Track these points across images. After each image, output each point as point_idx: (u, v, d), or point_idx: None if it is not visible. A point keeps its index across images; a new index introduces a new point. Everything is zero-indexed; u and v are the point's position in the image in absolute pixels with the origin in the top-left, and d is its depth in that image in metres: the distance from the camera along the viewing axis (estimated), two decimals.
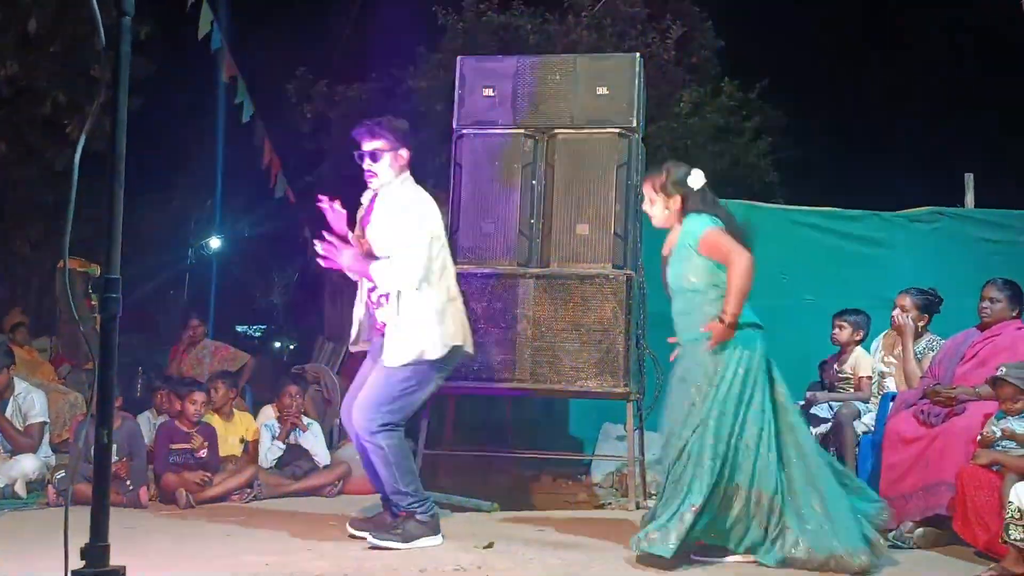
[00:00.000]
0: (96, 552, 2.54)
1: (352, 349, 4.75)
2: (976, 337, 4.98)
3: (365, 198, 4.56)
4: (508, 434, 6.45)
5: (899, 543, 4.46)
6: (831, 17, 15.39)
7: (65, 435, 6.38)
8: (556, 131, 5.77)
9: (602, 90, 5.75)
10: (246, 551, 4.14)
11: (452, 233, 5.69)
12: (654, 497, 4.88)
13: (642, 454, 5.78)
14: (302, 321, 15.47)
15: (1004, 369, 4.31)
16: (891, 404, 5.16)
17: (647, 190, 4.36)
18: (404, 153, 4.43)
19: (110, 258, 2.62)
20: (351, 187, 4.65)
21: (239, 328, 19.63)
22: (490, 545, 4.28)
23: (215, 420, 6.00)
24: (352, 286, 4.70)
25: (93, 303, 8.17)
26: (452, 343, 4.34)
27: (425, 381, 4.33)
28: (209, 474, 5.55)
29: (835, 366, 5.70)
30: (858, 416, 5.29)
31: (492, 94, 5.86)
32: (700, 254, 4.14)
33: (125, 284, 2.64)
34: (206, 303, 15.66)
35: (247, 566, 3.84)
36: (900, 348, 5.44)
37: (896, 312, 5.45)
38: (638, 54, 6.07)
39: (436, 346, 4.29)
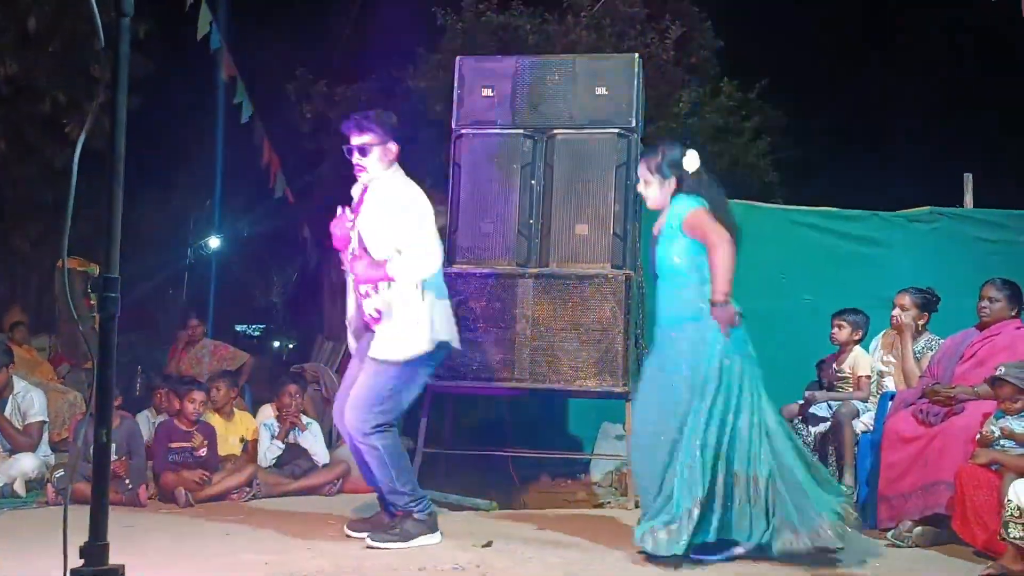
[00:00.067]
0: (95, 551, 2.54)
1: (351, 349, 4.76)
2: (975, 337, 4.99)
3: (355, 191, 4.55)
4: (507, 433, 6.45)
5: (898, 542, 4.47)
6: (830, 17, 15.39)
7: (64, 434, 6.38)
8: (555, 131, 5.77)
9: (601, 90, 5.75)
10: (245, 550, 4.14)
11: (451, 233, 5.70)
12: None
13: None
14: (301, 320, 15.47)
15: (1003, 369, 4.32)
16: (890, 403, 5.16)
17: (642, 172, 4.38)
18: (393, 147, 4.42)
19: (109, 257, 2.62)
20: (350, 187, 4.65)
21: (238, 327, 19.63)
22: (489, 544, 4.28)
23: (215, 419, 6.00)
24: None
25: (92, 302, 8.16)
26: (439, 339, 4.34)
27: (414, 377, 4.33)
28: (208, 473, 5.56)
29: (834, 365, 5.71)
30: (857, 415, 5.30)
31: (491, 94, 5.87)
32: (684, 234, 4.17)
33: (124, 283, 2.64)
34: (205, 302, 15.63)
35: (246, 565, 3.84)
36: (899, 347, 5.44)
37: (896, 311, 5.46)
38: (637, 54, 6.07)
39: (425, 341, 4.28)
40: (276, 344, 18.93)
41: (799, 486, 3.99)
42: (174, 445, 5.61)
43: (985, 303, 4.97)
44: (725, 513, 3.96)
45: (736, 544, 4.02)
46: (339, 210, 4.50)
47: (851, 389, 5.57)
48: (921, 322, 5.43)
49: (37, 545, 3.99)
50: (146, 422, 6.37)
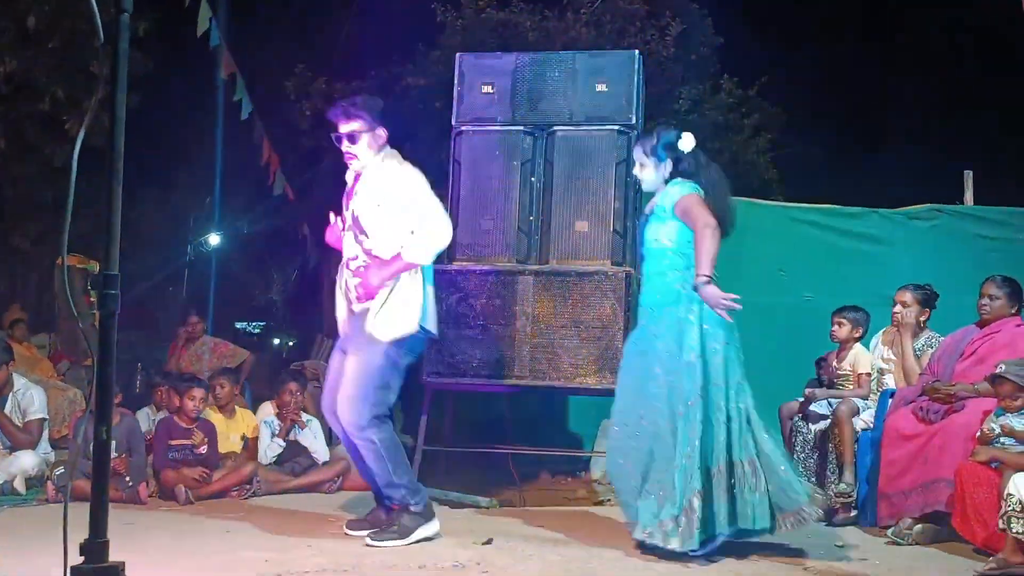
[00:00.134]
0: (95, 548, 2.54)
1: None
2: (975, 334, 4.99)
3: (349, 176, 4.52)
4: (507, 431, 6.45)
5: (898, 539, 4.48)
6: (830, 15, 15.39)
7: (64, 431, 6.38)
8: (555, 128, 5.77)
9: (601, 87, 5.75)
10: (245, 547, 4.14)
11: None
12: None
13: None
14: (301, 318, 15.48)
15: (1003, 366, 4.32)
16: (890, 401, 5.16)
17: (638, 154, 4.41)
18: (382, 132, 4.40)
19: (109, 254, 2.62)
20: None
21: (238, 325, 19.63)
22: (489, 541, 4.28)
23: (217, 417, 6.00)
24: None
25: (92, 299, 8.16)
26: (426, 324, 4.34)
27: (398, 364, 4.31)
28: (208, 470, 5.56)
29: (834, 363, 5.71)
30: (857, 413, 5.29)
31: (491, 91, 5.87)
32: (675, 216, 4.21)
33: (124, 280, 2.64)
34: (205, 300, 15.64)
35: (246, 562, 3.84)
36: (899, 344, 5.44)
37: (898, 308, 5.45)
38: (637, 51, 6.06)
39: (415, 322, 4.28)
40: (276, 342, 18.92)
41: (778, 470, 4.05)
42: (174, 442, 5.61)
43: (985, 300, 4.96)
44: (732, 503, 3.97)
45: (748, 533, 4.04)
46: (331, 217, 4.49)
47: (851, 386, 5.57)
48: (923, 318, 5.43)
49: (37, 542, 3.99)
50: (146, 419, 6.36)
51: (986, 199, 7.35)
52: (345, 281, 4.44)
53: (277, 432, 6.03)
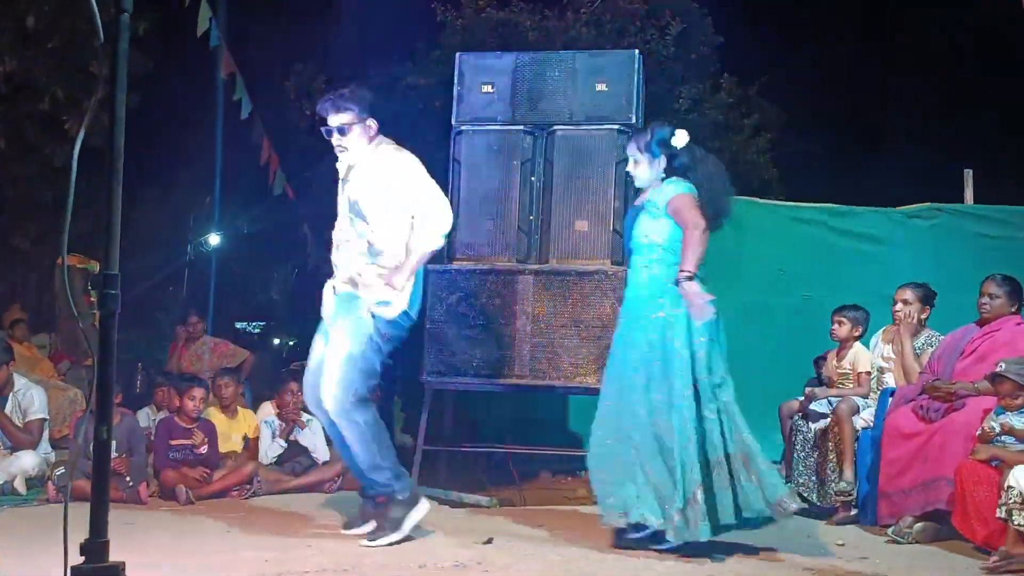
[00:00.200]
0: (95, 548, 2.54)
1: None
2: (975, 333, 4.99)
3: (341, 167, 4.50)
4: (507, 430, 6.45)
5: (898, 538, 4.48)
6: (831, 14, 15.39)
7: (65, 431, 6.38)
8: (555, 127, 5.77)
9: (601, 86, 5.75)
10: (246, 547, 4.14)
11: (450, 230, 5.69)
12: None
13: None
14: (301, 317, 15.45)
15: (1003, 365, 4.32)
16: (890, 399, 5.16)
17: (632, 151, 4.41)
18: (372, 123, 4.39)
19: (109, 254, 2.62)
20: None
21: (238, 324, 19.62)
22: (489, 541, 4.28)
23: (219, 417, 6.00)
24: None
25: (92, 299, 8.16)
26: (412, 309, 4.36)
27: (381, 348, 4.31)
28: (209, 470, 5.56)
29: (834, 362, 5.71)
30: (857, 411, 5.30)
31: (491, 91, 5.87)
32: (667, 213, 4.23)
33: (124, 280, 2.64)
34: (205, 299, 15.65)
35: (247, 562, 3.84)
36: (899, 343, 5.44)
37: (899, 306, 5.45)
38: (637, 51, 6.06)
39: (404, 303, 4.30)
40: (276, 341, 18.91)
41: (761, 462, 4.09)
42: (175, 442, 5.61)
43: (985, 299, 4.96)
44: (734, 494, 4.00)
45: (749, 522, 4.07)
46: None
47: (851, 385, 5.57)
48: (923, 316, 5.43)
49: (38, 542, 3.99)
50: (146, 419, 6.36)
51: (986, 199, 7.35)
52: (334, 263, 4.45)
53: (278, 432, 6.03)
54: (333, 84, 10.57)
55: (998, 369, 4.33)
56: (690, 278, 4.10)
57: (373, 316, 4.25)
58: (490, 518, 5.04)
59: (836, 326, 5.66)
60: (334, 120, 4.36)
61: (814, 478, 5.30)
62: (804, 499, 5.30)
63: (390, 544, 4.17)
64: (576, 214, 5.67)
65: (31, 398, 5.85)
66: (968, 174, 7.44)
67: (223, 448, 5.88)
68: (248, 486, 5.61)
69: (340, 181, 4.49)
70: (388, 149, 4.41)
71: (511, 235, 5.71)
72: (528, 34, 10.09)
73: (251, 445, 6.09)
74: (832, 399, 5.46)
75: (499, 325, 5.58)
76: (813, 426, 5.41)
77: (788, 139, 13.35)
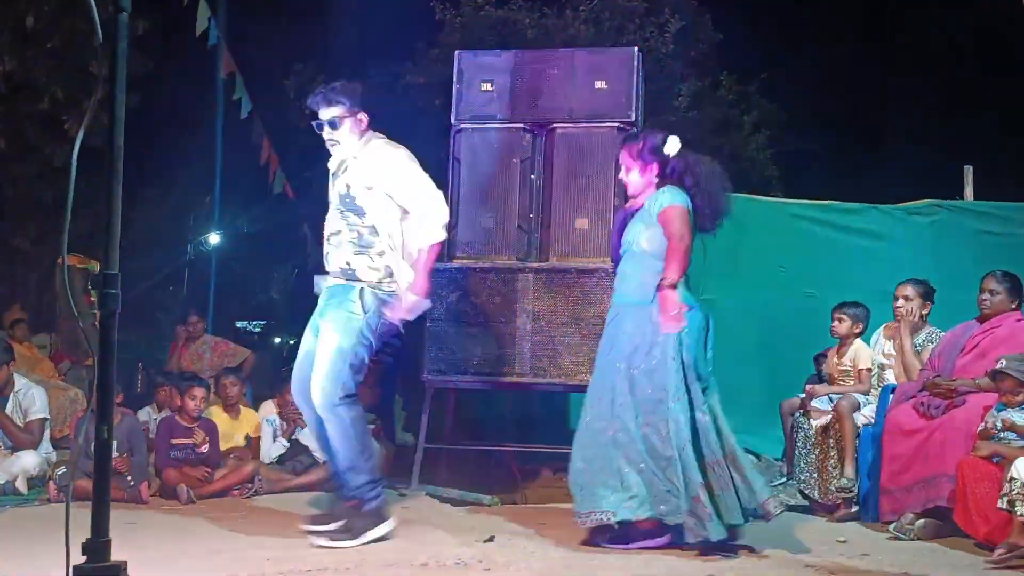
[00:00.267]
0: (97, 547, 2.54)
1: None
2: (976, 329, 4.98)
3: (332, 164, 4.49)
4: (508, 428, 6.46)
5: (900, 535, 4.47)
6: (831, 12, 15.38)
7: (66, 431, 6.38)
8: (554, 125, 5.77)
9: (600, 84, 5.74)
10: (247, 546, 4.14)
11: (450, 228, 5.69)
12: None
13: None
14: (301, 317, 15.45)
15: (1004, 361, 4.32)
16: (891, 396, 5.16)
17: (624, 159, 4.38)
18: (363, 116, 4.39)
19: (109, 254, 2.61)
20: None
21: (239, 324, 19.63)
22: (491, 539, 4.28)
23: (222, 416, 6.00)
24: None
25: (92, 299, 8.17)
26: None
27: (372, 345, 4.31)
28: (210, 469, 5.56)
29: (835, 359, 5.71)
30: (858, 408, 5.30)
31: (490, 89, 5.86)
32: (657, 222, 4.21)
33: (124, 280, 2.64)
34: (205, 299, 15.66)
35: (248, 561, 3.84)
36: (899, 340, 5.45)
37: (900, 302, 5.45)
38: (636, 48, 6.07)
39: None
40: (277, 340, 18.92)
41: (747, 463, 4.11)
42: (176, 442, 5.61)
43: (986, 295, 4.96)
44: (736, 493, 4.00)
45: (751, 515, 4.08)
46: None
47: (852, 382, 5.57)
48: (924, 312, 5.43)
49: (39, 542, 3.99)
50: (148, 418, 6.36)
51: (986, 198, 7.36)
52: (327, 255, 4.44)
53: (280, 431, 6.03)
54: (333, 83, 10.62)
55: (999, 365, 4.33)
56: (672, 286, 4.09)
57: (372, 314, 4.25)
58: (491, 516, 5.04)
59: (836, 323, 5.66)
60: (325, 114, 4.36)
61: (815, 475, 5.30)
62: (805, 496, 5.31)
63: (337, 548, 4.08)
64: (576, 212, 5.67)
65: (32, 398, 5.85)
66: (968, 171, 7.44)
67: (226, 448, 5.88)
68: (249, 485, 5.61)
69: (331, 175, 4.49)
70: (379, 143, 4.41)
71: (511, 233, 5.71)
72: (527, 32, 10.10)
73: (253, 444, 6.09)
74: (833, 396, 5.46)
75: (499, 323, 5.58)
76: (814, 423, 5.41)
77: (788, 138, 13.36)
